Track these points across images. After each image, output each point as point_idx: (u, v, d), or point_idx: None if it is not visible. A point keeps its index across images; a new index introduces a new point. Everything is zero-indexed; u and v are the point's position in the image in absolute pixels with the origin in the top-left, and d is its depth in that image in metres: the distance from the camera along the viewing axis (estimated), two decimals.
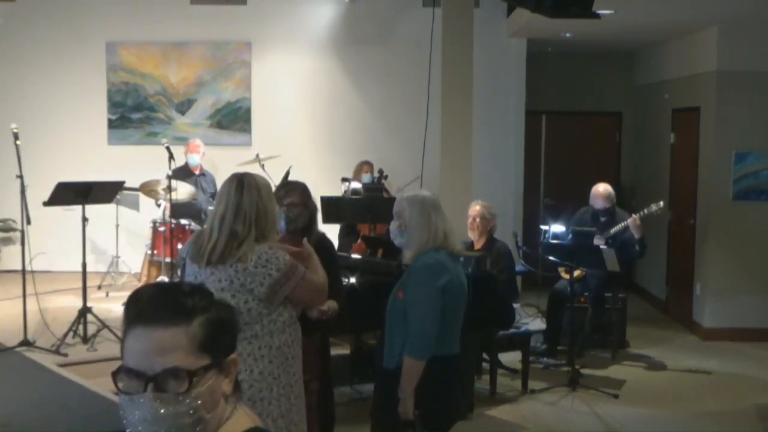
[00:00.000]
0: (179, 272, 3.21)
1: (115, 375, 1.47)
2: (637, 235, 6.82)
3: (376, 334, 5.70)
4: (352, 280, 5.30)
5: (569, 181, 9.53)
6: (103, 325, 6.02)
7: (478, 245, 6.24)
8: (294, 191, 3.90)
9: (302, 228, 3.84)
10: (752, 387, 6.45)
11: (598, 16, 4.82)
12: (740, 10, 7.09)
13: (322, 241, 3.99)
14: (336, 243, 7.50)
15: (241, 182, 3.09)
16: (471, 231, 6.30)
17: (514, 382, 6.28)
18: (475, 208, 6.32)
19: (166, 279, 7.06)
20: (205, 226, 3.23)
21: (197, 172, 8.09)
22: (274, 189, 3.74)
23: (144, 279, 7.78)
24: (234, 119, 9.13)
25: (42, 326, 6.11)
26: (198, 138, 8.55)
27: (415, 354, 3.27)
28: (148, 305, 1.51)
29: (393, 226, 3.49)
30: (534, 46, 9.14)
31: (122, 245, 8.32)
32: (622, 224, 6.85)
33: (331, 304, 3.63)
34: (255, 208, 3.06)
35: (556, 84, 10.11)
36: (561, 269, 6.97)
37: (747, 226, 7.69)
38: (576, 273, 6.60)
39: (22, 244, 5.89)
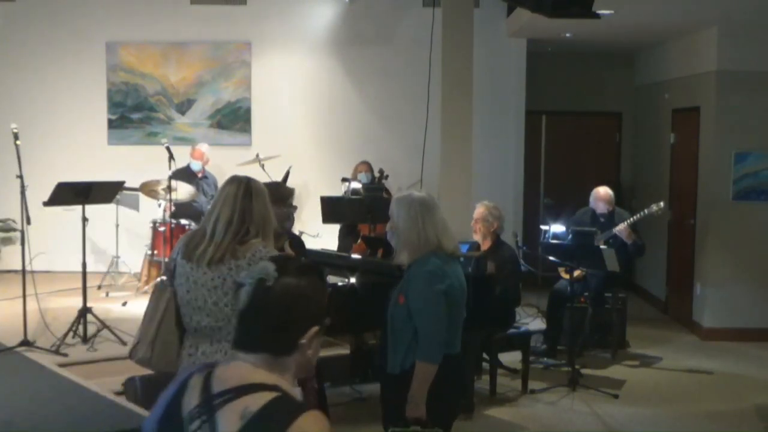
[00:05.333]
0: (172, 267, 3.17)
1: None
2: (628, 241, 6.81)
3: (376, 334, 5.70)
4: (352, 280, 5.30)
5: (569, 181, 9.54)
6: (103, 325, 6.02)
7: (483, 247, 6.20)
8: (291, 194, 3.97)
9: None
10: (752, 387, 6.45)
11: (598, 16, 4.82)
12: (740, 10, 7.09)
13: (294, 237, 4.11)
14: (336, 243, 7.53)
15: (249, 188, 3.08)
16: (474, 233, 6.28)
17: (514, 382, 6.27)
18: (478, 210, 6.26)
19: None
20: (198, 226, 3.20)
21: (200, 175, 8.11)
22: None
23: (144, 279, 7.78)
24: (234, 119, 9.12)
25: (42, 326, 6.12)
26: (199, 139, 8.57)
27: (429, 359, 3.29)
28: None
29: (387, 226, 3.53)
30: (534, 46, 9.14)
31: (122, 245, 8.32)
32: (613, 231, 6.84)
33: None
34: (261, 215, 3.07)
35: (556, 84, 10.11)
36: (561, 269, 6.97)
37: (747, 226, 7.69)
38: (576, 273, 6.60)
39: (22, 244, 5.89)
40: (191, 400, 1.72)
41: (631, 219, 6.86)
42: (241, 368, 1.72)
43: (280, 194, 3.98)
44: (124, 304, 7.19)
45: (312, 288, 1.76)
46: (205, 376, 1.74)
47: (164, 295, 3.12)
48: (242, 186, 3.08)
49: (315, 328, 1.75)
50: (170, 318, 3.09)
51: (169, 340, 3.09)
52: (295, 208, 4.05)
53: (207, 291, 3.00)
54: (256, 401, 1.63)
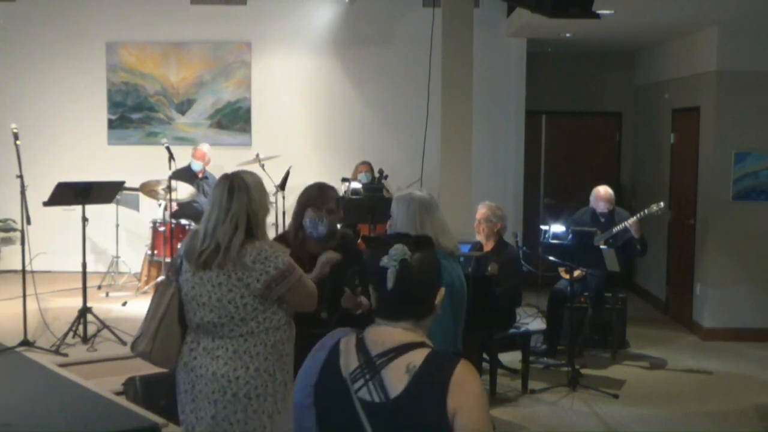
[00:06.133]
0: (178, 263, 3.19)
1: None
2: (636, 236, 6.83)
3: None
4: None
5: (569, 181, 9.54)
6: (103, 325, 6.02)
7: (487, 248, 6.20)
8: (332, 198, 3.94)
9: (332, 233, 3.93)
10: (752, 387, 6.46)
11: (598, 16, 4.81)
12: (740, 10, 7.09)
13: (346, 237, 4.13)
14: None
15: (232, 186, 3.09)
16: (477, 233, 6.28)
17: (514, 382, 6.28)
18: (481, 211, 6.26)
19: None
20: (199, 226, 3.23)
21: (200, 175, 8.12)
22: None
23: (144, 279, 7.78)
24: (234, 119, 9.13)
25: (42, 326, 6.12)
26: (199, 139, 8.57)
27: None
28: None
29: (387, 224, 3.59)
30: (534, 46, 9.14)
31: (122, 245, 8.32)
32: (623, 224, 6.85)
33: (365, 300, 3.74)
34: (246, 210, 3.07)
35: (556, 84, 10.11)
36: (561, 269, 6.97)
37: (747, 226, 7.69)
38: (576, 273, 6.60)
39: (22, 244, 5.88)
40: (349, 362, 1.93)
41: (639, 214, 6.85)
42: (392, 332, 1.94)
43: (319, 196, 3.96)
44: (124, 304, 7.18)
45: (433, 256, 2.03)
46: (357, 342, 1.95)
47: (168, 290, 3.14)
48: (226, 184, 3.11)
49: (442, 290, 2.01)
50: (173, 314, 3.11)
51: (170, 335, 3.11)
52: (328, 214, 4.02)
53: (211, 287, 3.03)
54: (416, 357, 1.86)
